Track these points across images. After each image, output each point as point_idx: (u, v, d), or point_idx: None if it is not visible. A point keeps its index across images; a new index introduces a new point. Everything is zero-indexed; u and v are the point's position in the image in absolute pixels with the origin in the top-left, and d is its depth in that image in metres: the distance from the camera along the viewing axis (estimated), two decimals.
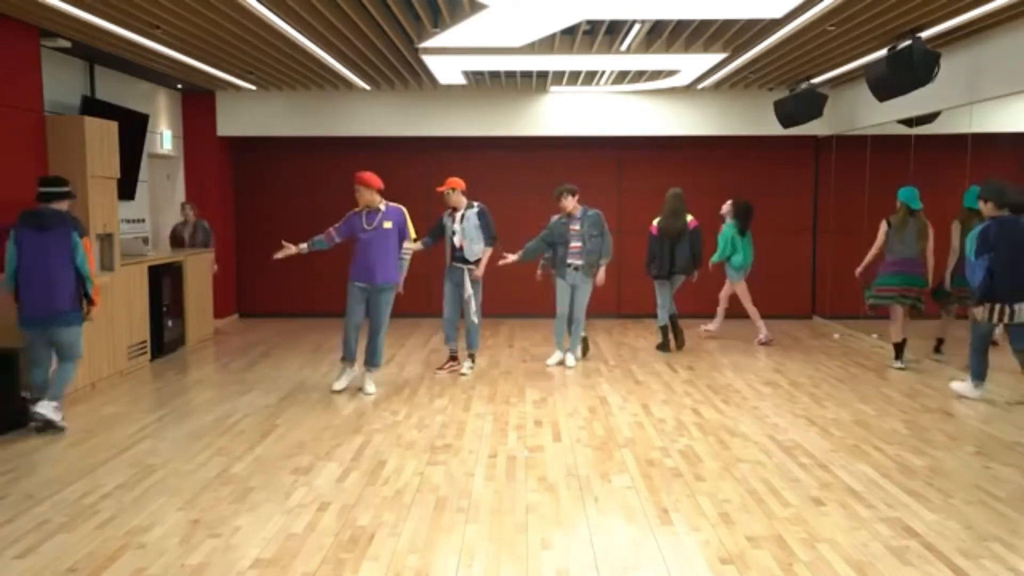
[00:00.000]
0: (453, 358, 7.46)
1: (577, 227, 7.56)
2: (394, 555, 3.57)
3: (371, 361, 6.72)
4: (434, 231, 7.36)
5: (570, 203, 7.53)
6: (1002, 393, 6.58)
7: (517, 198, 10.20)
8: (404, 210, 6.69)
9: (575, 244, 7.55)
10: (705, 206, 9.09)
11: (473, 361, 7.43)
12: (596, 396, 6.58)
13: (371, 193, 6.52)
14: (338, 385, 6.66)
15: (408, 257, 6.85)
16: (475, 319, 7.23)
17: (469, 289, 7.14)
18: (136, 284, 7.65)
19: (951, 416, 5.91)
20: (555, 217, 7.71)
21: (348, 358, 6.69)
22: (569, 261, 7.58)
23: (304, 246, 6.60)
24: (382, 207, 6.56)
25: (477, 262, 7.14)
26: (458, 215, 7.16)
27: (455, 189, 7.15)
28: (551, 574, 3.41)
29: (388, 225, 6.54)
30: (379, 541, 3.72)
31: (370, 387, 6.62)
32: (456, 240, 7.14)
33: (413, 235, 6.85)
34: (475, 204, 7.21)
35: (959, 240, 7.47)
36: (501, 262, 7.46)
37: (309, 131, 10.30)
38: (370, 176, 6.55)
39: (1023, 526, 3.89)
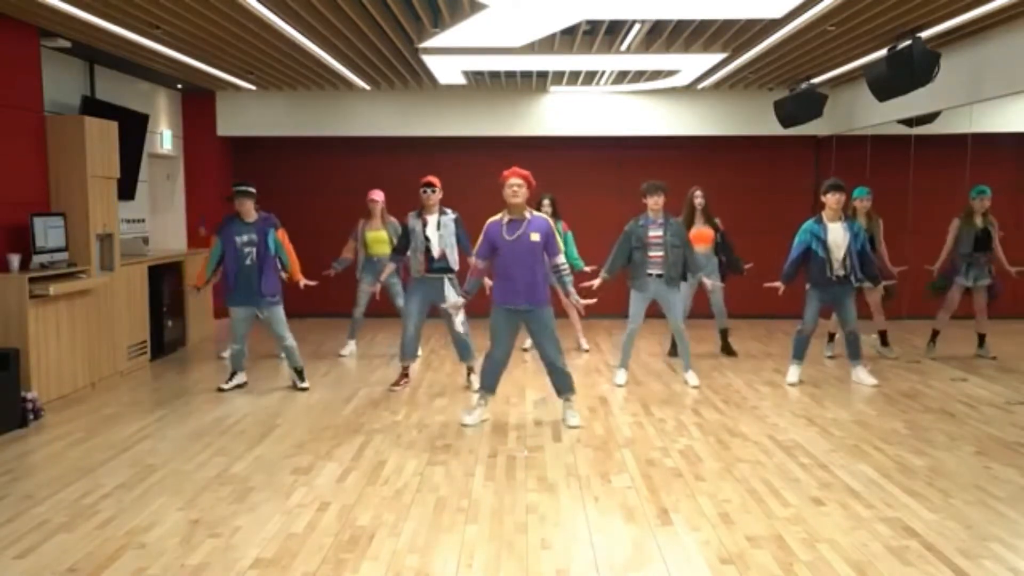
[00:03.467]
0: (407, 373, 6.85)
1: (660, 234, 6.68)
2: (394, 555, 3.57)
3: (565, 390, 5.75)
4: (402, 243, 6.66)
5: (659, 203, 6.68)
6: (1002, 393, 6.59)
7: None
8: (550, 221, 5.67)
9: (656, 253, 6.69)
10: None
11: (476, 372, 6.65)
12: (596, 396, 6.58)
13: (527, 195, 5.52)
14: (469, 419, 5.68)
15: (567, 271, 5.72)
16: (462, 329, 6.59)
17: (454, 297, 6.34)
18: (136, 284, 7.65)
19: (951, 416, 5.90)
20: (631, 221, 6.85)
21: (488, 390, 5.78)
22: (650, 271, 6.69)
23: (462, 298, 5.87)
24: (528, 215, 5.53)
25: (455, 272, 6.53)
26: (432, 220, 6.47)
27: (435, 188, 6.50)
28: (551, 574, 3.41)
29: (536, 237, 5.45)
30: (379, 541, 3.72)
31: (573, 418, 5.70)
32: (434, 249, 6.44)
33: (563, 248, 5.80)
34: (448, 211, 6.56)
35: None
36: (591, 285, 6.45)
37: (309, 131, 10.30)
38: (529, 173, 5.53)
39: (1023, 526, 3.89)
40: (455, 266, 6.54)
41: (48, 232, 6.37)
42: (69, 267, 6.52)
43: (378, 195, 7.97)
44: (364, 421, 5.80)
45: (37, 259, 6.23)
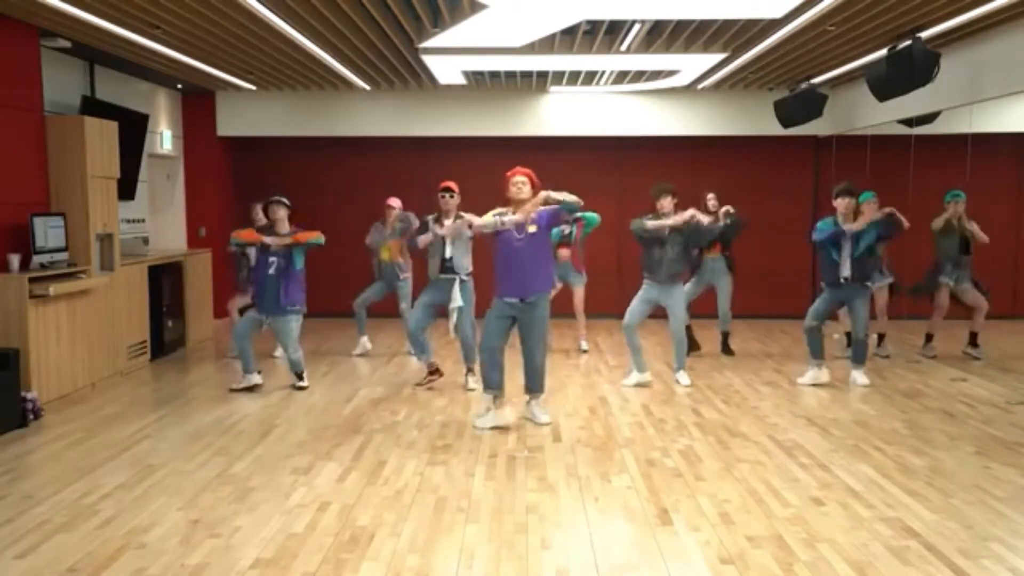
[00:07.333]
0: (435, 370, 6.85)
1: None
2: (394, 555, 3.57)
3: (536, 388, 5.80)
4: (419, 233, 6.82)
5: (667, 204, 6.78)
6: (1002, 393, 6.59)
7: None
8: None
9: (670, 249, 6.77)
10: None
11: (476, 373, 6.56)
12: (596, 396, 6.58)
13: (531, 193, 5.59)
14: (480, 423, 5.64)
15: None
16: (468, 330, 6.61)
17: (459, 299, 6.46)
18: (136, 284, 7.65)
19: (951, 416, 5.91)
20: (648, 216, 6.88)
21: (494, 388, 5.68)
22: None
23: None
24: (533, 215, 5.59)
25: (469, 275, 6.64)
26: (448, 223, 6.58)
27: (454, 193, 6.63)
28: (551, 574, 3.41)
29: (533, 229, 5.55)
30: (379, 541, 3.72)
31: (543, 415, 5.77)
32: (447, 251, 6.58)
33: (571, 197, 5.54)
34: (464, 215, 6.37)
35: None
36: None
37: (309, 131, 10.30)
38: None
39: (1023, 526, 3.90)
40: (463, 270, 6.61)
41: (48, 232, 6.37)
42: (69, 267, 6.52)
43: (395, 202, 8.05)
44: (364, 421, 5.80)
45: (37, 259, 6.23)
